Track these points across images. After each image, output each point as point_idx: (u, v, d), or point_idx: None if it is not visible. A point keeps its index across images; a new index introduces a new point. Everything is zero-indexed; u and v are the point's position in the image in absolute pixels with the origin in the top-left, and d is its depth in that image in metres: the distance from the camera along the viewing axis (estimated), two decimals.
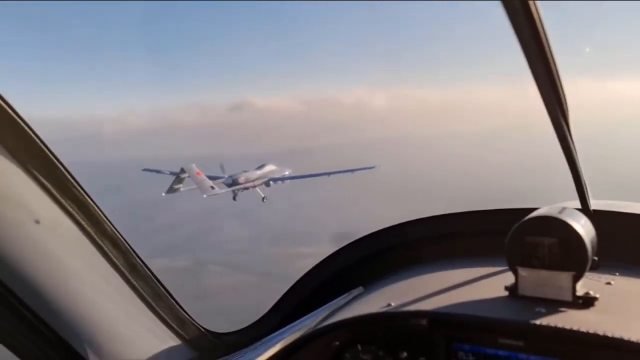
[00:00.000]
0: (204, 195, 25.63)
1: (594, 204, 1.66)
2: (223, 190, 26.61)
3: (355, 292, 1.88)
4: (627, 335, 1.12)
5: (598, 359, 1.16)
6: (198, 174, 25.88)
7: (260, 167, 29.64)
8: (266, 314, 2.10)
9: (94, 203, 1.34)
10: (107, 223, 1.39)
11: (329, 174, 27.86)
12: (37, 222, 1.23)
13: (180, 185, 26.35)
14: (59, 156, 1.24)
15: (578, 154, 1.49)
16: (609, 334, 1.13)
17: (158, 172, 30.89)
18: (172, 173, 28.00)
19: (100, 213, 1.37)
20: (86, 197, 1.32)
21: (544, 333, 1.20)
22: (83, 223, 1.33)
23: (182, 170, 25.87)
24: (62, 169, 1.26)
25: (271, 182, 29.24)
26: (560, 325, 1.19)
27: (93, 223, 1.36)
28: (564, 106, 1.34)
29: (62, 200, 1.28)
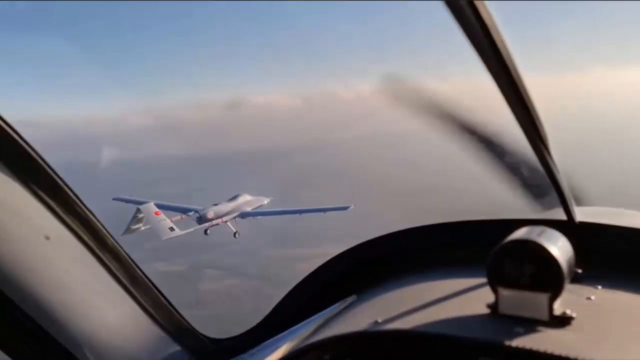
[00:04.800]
0: (162, 238, 22.46)
1: (581, 213, 1.72)
2: (184, 232, 23.55)
3: (349, 300, 1.93)
4: (596, 357, 1.16)
5: None
6: (156, 213, 22.86)
7: (233, 198, 26.56)
8: (263, 320, 2.15)
9: (97, 219, 1.43)
10: (108, 237, 1.50)
11: (300, 212, 25.43)
12: (47, 238, 1.33)
13: (140, 225, 23.29)
14: (62, 176, 1.33)
15: (559, 166, 1.55)
16: (579, 357, 1.17)
17: (127, 201, 27.85)
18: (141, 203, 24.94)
19: (102, 228, 1.46)
20: (89, 214, 1.42)
21: (519, 354, 1.25)
22: (86, 238, 1.43)
23: (139, 210, 22.73)
24: (66, 188, 1.35)
25: (245, 216, 26.02)
26: (534, 347, 1.24)
27: (96, 238, 1.46)
28: (536, 119, 1.36)
29: (67, 218, 1.37)
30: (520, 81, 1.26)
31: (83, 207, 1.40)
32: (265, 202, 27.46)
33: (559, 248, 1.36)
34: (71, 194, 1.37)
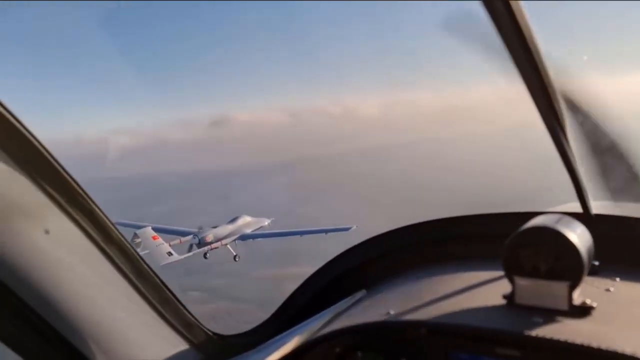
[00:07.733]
0: (160, 264, 21.55)
1: (596, 206, 1.67)
2: (182, 257, 22.77)
3: (358, 295, 1.91)
4: (619, 347, 1.12)
5: None
6: (154, 238, 22.09)
7: (233, 220, 25.93)
8: (271, 316, 2.11)
9: (101, 211, 1.38)
10: (113, 231, 1.42)
11: (301, 233, 24.54)
12: (47, 232, 1.28)
13: (137, 250, 22.25)
14: (65, 166, 1.27)
15: (577, 158, 1.50)
16: (602, 346, 1.14)
17: (127, 225, 26.81)
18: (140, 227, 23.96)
19: (107, 221, 1.40)
20: (93, 205, 1.36)
21: (539, 344, 1.22)
22: (90, 231, 1.37)
23: (136, 235, 21.85)
24: (68, 179, 1.30)
25: (245, 239, 25.26)
26: (555, 336, 1.20)
27: (100, 231, 1.39)
28: (558, 112, 1.36)
29: (70, 210, 1.31)
30: (547, 75, 1.27)
31: (86, 197, 1.34)
32: (266, 223, 26.79)
33: (578, 235, 1.32)
34: (76, 186, 1.32)
